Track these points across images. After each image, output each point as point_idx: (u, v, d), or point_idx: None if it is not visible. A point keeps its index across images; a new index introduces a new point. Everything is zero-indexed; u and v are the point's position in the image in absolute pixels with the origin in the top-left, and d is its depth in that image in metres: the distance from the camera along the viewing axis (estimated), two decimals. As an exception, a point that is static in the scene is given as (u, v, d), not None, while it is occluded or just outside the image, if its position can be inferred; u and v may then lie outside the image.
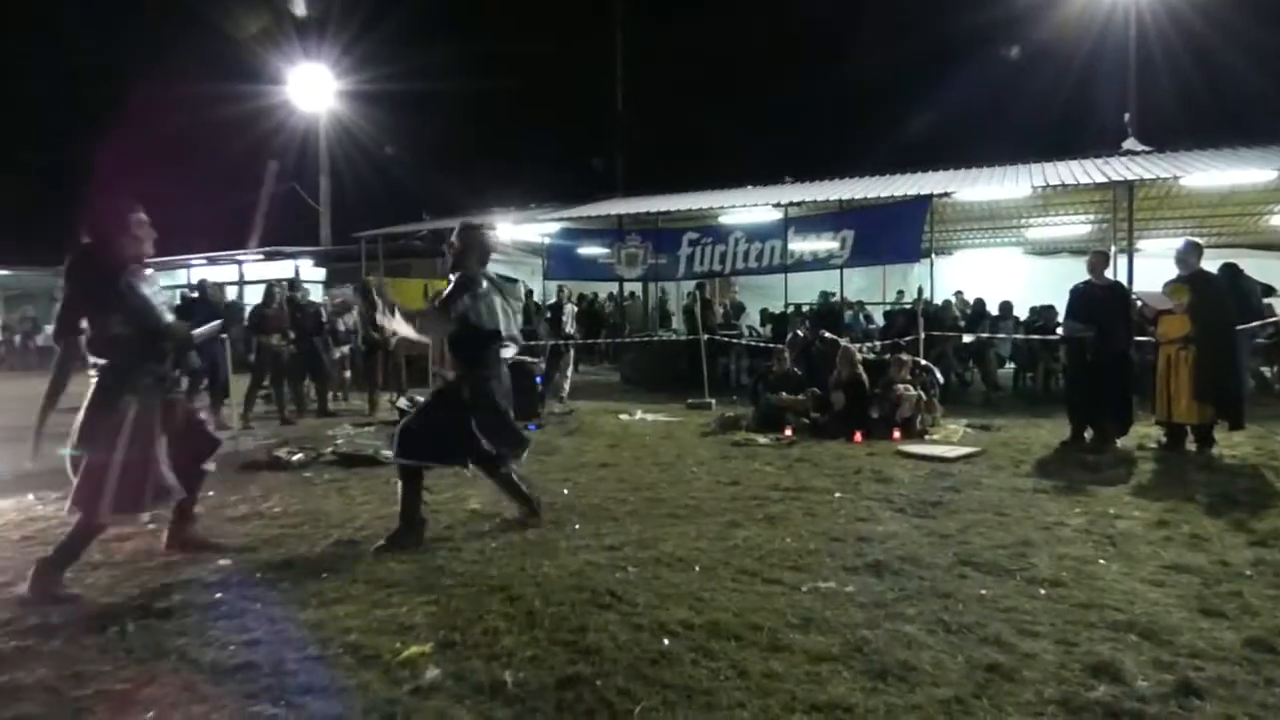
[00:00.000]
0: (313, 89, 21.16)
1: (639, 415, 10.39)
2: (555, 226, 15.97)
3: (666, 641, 3.17)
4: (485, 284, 4.96)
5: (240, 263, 22.85)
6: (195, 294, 10.38)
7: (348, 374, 12.62)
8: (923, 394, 8.83)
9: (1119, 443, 7.57)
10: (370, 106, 24.32)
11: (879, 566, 4.08)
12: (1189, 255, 7.47)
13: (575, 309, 16.11)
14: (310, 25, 22.26)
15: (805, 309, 15.56)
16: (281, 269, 20.74)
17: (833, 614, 3.45)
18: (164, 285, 12.27)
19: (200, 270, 22.96)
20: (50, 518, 5.29)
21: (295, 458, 7.20)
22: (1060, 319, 9.31)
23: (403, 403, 10.38)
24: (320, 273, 20.69)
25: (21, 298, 28.18)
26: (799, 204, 13.68)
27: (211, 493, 5.94)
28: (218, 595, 3.76)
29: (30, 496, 5.84)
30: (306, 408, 10.85)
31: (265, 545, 4.61)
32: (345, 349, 12.29)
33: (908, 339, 11.22)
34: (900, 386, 8.70)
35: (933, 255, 14.08)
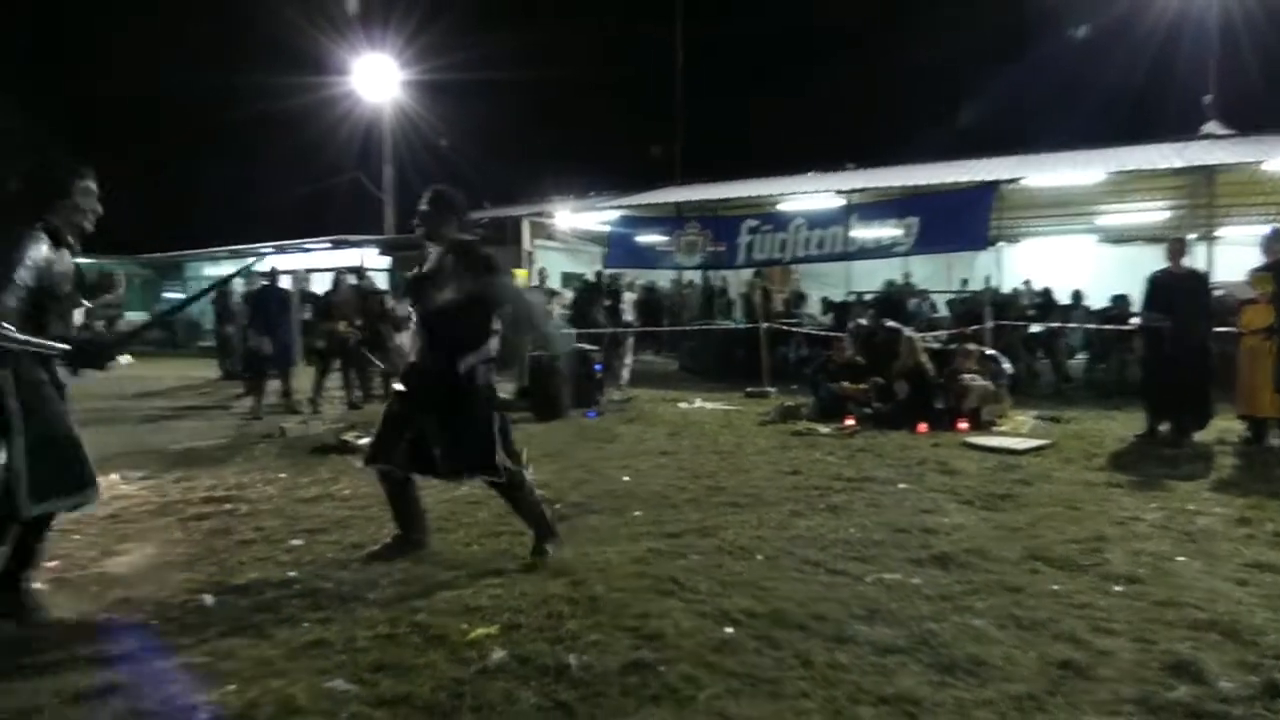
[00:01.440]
0: (377, 79, 21.53)
1: (698, 403, 10.37)
2: (614, 214, 16.00)
3: (729, 629, 3.16)
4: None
5: (308, 251, 23.42)
6: (267, 281, 10.67)
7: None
8: (990, 384, 8.62)
9: (1196, 437, 7.29)
10: (432, 96, 24.69)
11: (945, 559, 4.01)
12: (1274, 243, 7.15)
13: (635, 296, 16.15)
14: (374, 17, 22.67)
15: (868, 297, 15.32)
16: (347, 257, 21.22)
17: (898, 606, 3.40)
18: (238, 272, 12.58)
19: (269, 258, 23.62)
20: (134, 496, 5.51)
21: (363, 441, 7.35)
22: (1136, 308, 8.99)
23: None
24: (385, 260, 21.08)
25: (103, 285, 29.35)
26: (862, 190, 13.46)
27: (283, 475, 6.15)
28: (291, 574, 3.87)
29: (115, 476, 6.09)
30: (372, 393, 11.10)
31: (335, 526, 4.74)
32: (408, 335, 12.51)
33: (974, 328, 10.97)
34: (966, 376, 8.51)
35: (1000, 243, 13.75)
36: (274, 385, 10.10)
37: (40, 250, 3.03)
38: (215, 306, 14.64)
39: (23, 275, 2.99)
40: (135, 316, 28.77)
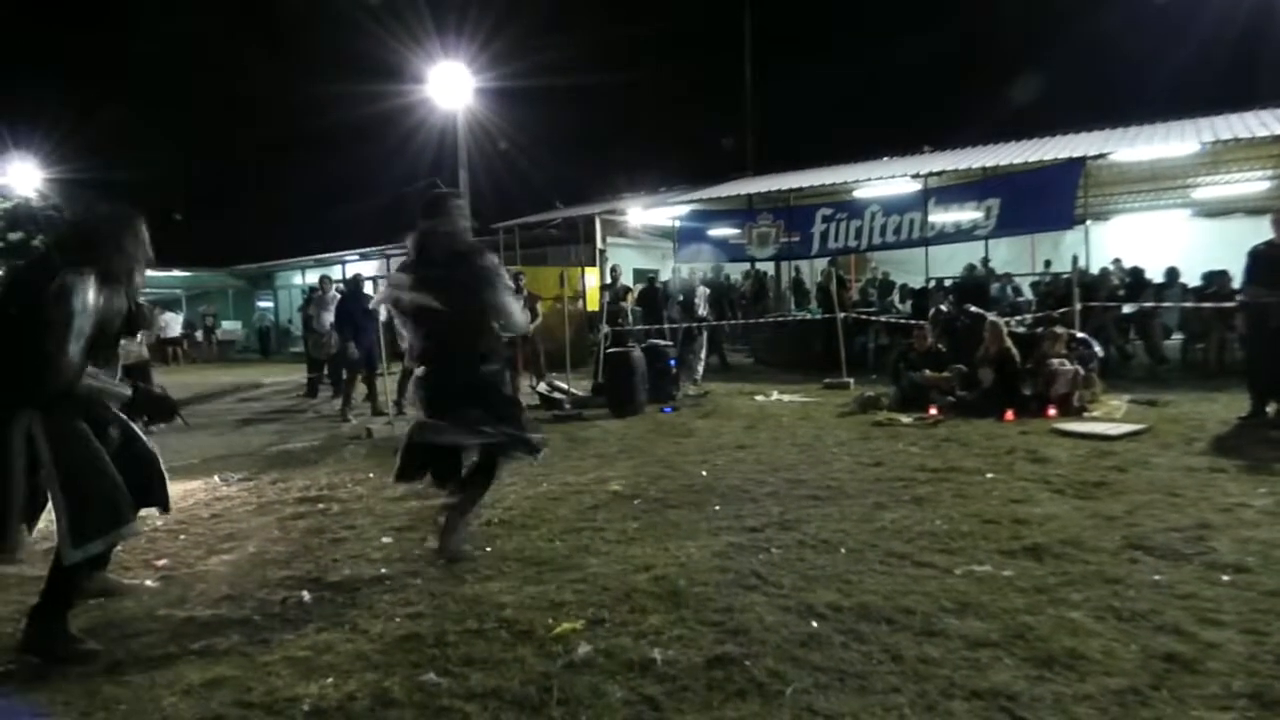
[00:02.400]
0: (452, 87, 21.98)
1: (775, 396, 10.28)
2: (685, 209, 15.97)
3: (815, 624, 3.13)
4: None
5: (389, 256, 24.10)
6: (346, 289, 11.02)
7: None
8: (1080, 368, 8.30)
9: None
10: (504, 101, 25.08)
11: (1038, 550, 3.88)
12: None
13: (708, 291, 16.08)
14: (448, 27, 23.15)
15: (948, 283, 14.92)
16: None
17: (990, 599, 3.30)
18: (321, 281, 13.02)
19: (353, 266, 24.40)
20: (234, 497, 5.77)
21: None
22: (1236, 284, 8.52)
23: (542, 387, 10.71)
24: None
25: (201, 296, 30.88)
26: (939, 174, 13.11)
27: (371, 475, 6.34)
28: (382, 570, 3.99)
29: (216, 478, 6.40)
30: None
31: (421, 524, 4.85)
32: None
33: (1062, 311, 10.57)
34: (1055, 361, 8.21)
35: (1087, 221, 13.19)
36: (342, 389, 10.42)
37: (90, 293, 3.11)
38: (303, 314, 15.18)
39: (82, 322, 3.03)
40: (231, 326, 30.23)
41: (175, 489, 5.68)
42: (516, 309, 4.22)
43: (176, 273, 29.70)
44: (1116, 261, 14.15)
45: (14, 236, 28.36)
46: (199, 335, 26.87)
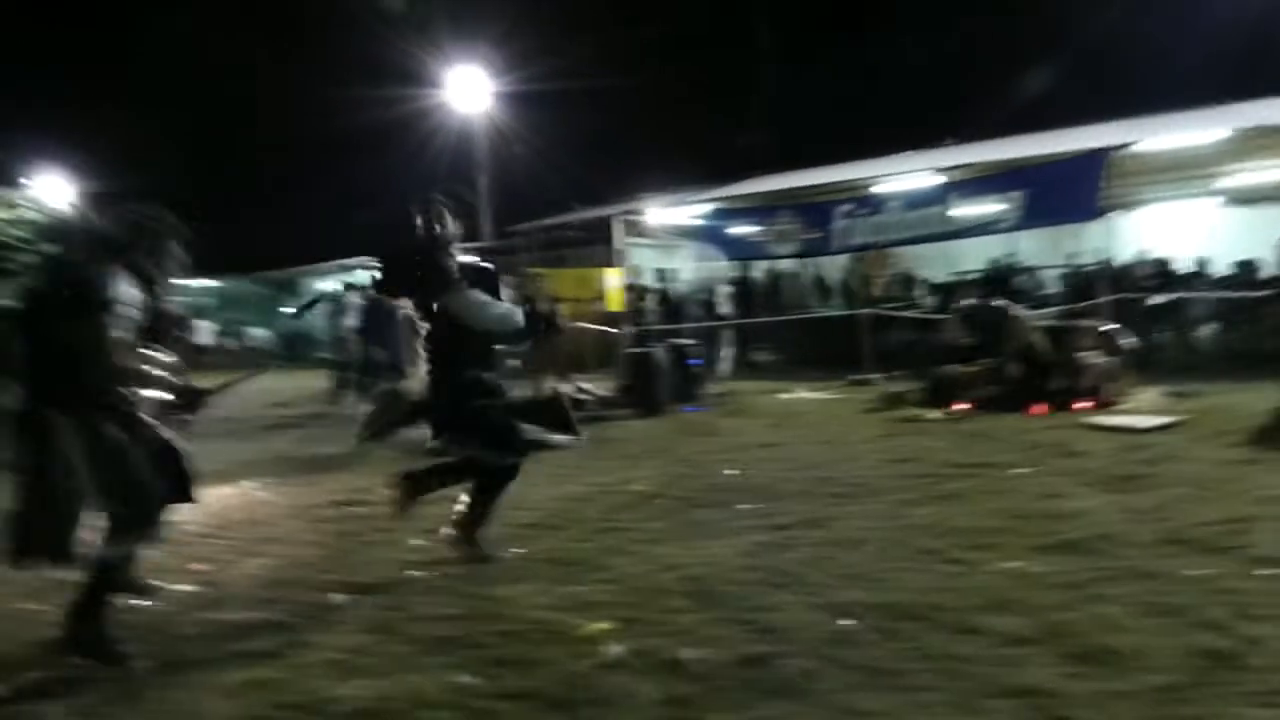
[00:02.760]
0: (469, 91, 22.12)
1: (799, 394, 10.25)
2: (704, 208, 15.94)
3: (846, 622, 3.12)
4: None
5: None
6: (368, 294, 11.08)
7: (516, 363, 13.13)
8: (1109, 361, 8.20)
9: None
10: (519, 105, 25.16)
11: (1072, 545, 3.84)
12: None
13: (730, 289, 16.05)
14: (464, 32, 23.32)
15: (972, 276, 14.78)
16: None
17: (1023, 595, 3.28)
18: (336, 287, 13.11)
19: (376, 271, 24.52)
20: (267, 501, 5.85)
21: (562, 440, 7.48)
22: (1268, 273, 8.38)
23: (567, 390, 10.72)
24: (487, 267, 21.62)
25: (230, 303, 31.28)
26: (962, 167, 12.98)
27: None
28: (415, 573, 4.03)
29: (248, 482, 6.47)
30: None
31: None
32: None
33: (1090, 302, 10.45)
34: (1083, 354, 8.12)
35: (1112, 212, 13.01)
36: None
37: (125, 287, 3.16)
38: (329, 322, 15.32)
39: (122, 313, 3.09)
40: (258, 332, 30.56)
41: (209, 494, 5.76)
42: (492, 309, 4.10)
43: (205, 281, 30.07)
44: (1144, 252, 13.94)
45: (48, 249, 28.87)
46: (227, 342, 27.23)
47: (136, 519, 3.16)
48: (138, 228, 3.40)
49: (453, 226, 4.18)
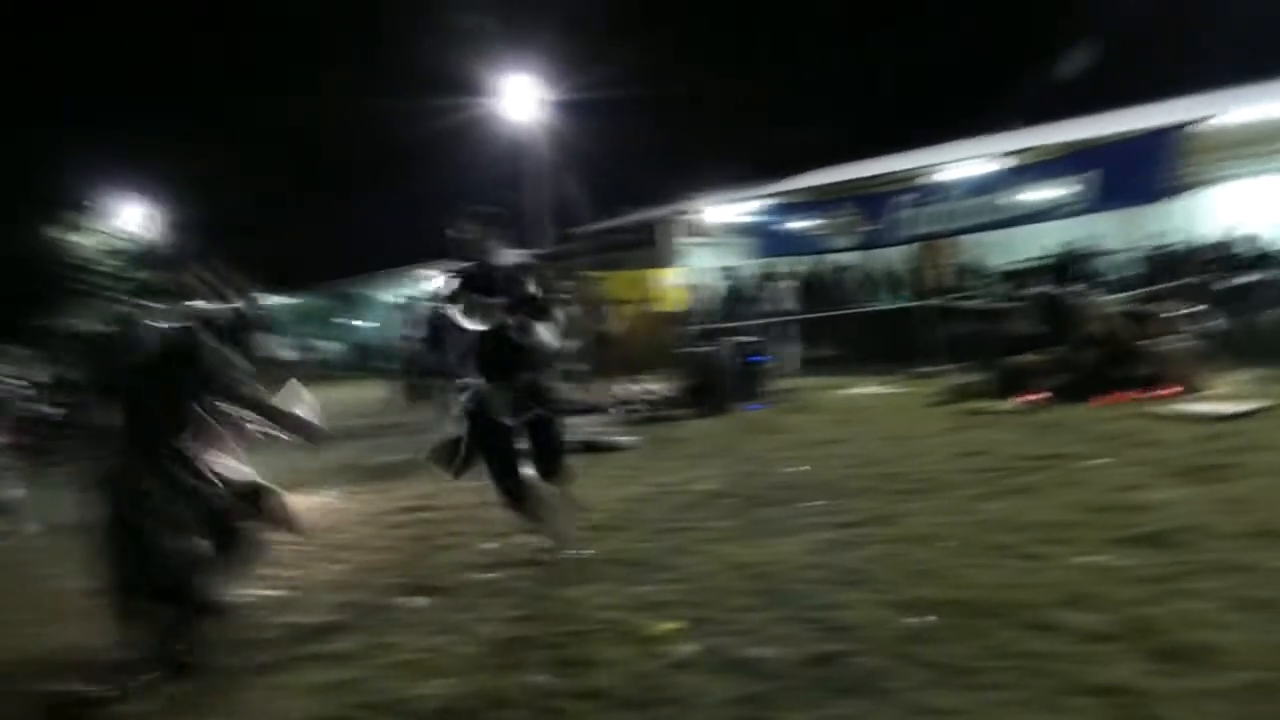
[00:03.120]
0: (521, 99, 22.38)
1: (865, 389, 10.10)
2: (761, 204, 15.83)
3: (919, 619, 3.07)
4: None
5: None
6: (435, 304, 11.31)
7: (581, 366, 13.23)
8: (1192, 345, 7.89)
9: None
10: (571, 111, 25.37)
11: (1156, 538, 3.70)
12: None
13: (792, 285, 15.88)
14: (517, 41, 23.63)
15: (1043, 262, 14.36)
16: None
17: (1105, 590, 3.17)
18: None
19: (437, 280, 25.01)
20: (345, 509, 6.02)
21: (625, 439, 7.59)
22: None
23: (631, 390, 10.77)
24: (544, 272, 21.86)
25: (301, 318, 32.28)
26: (1029, 150, 12.63)
27: (471, 484, 6.50)
28: (487, 575, 4.11)
29: (323, 491, 6.67)
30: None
31: (521, 530, 4.96)
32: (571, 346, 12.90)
33: (1169, 285, 10.06)
34: (1164, 338, 7.82)
35: (1191, 190, 12.48)
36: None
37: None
38: (400, 334, 15.69)
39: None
40: (327, 345, 31.45)
41: (291, 502, 5.95)
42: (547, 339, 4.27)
43: (276, 297, 31.08)
44: (1226, 231, 13.34)
45: (141, 275, 30.29)
46: (301, 356, 28.11)
47: (241, 565, 3.36)
48: (240, 315, 3.64)
49: (493, 238, 4.28)
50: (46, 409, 12.43)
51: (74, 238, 30.02)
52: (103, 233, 30.42)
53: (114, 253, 30.51)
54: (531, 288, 4.20)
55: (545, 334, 4.23)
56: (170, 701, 2.99)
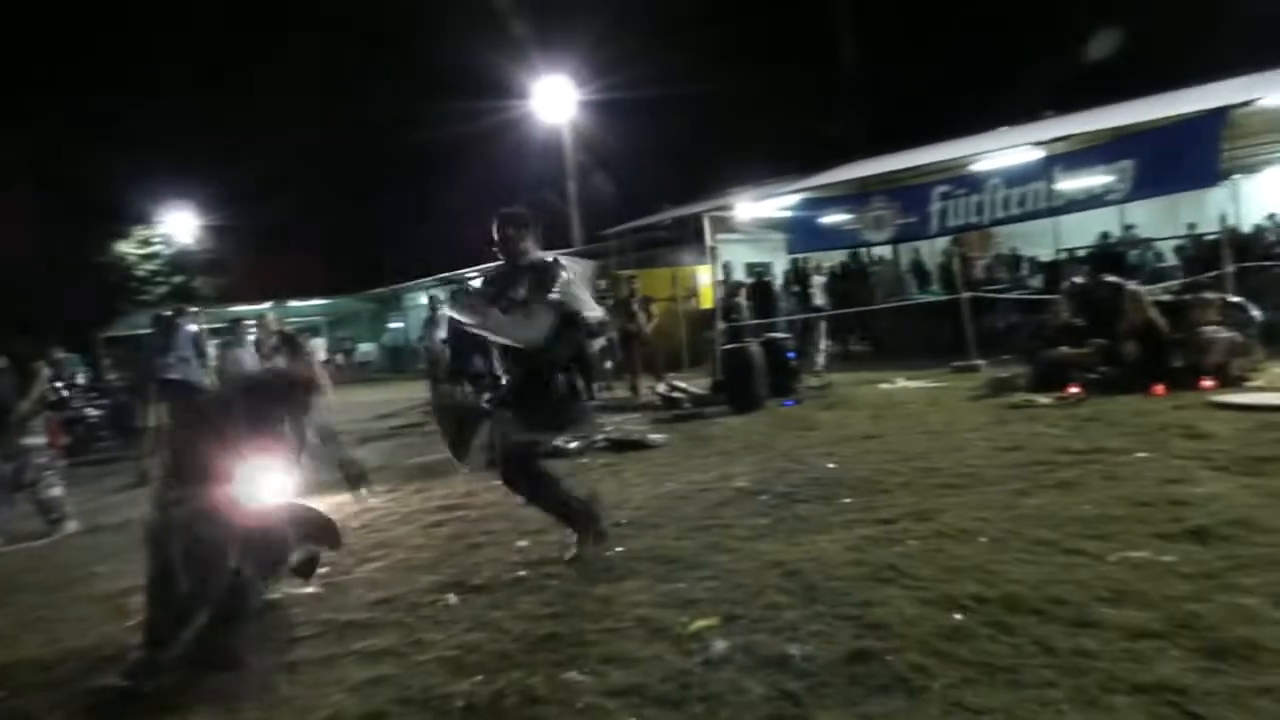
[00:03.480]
0: (556, 100, 22.47)
1: (900, 383, 9.99)
2: (794, 198, 15.72)
3: (958, 616, 3.02)
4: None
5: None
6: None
7: (609, 364, 13.27)
8: (1237, 335, 7.68)
9: None
10: (604, 111, 25.42)
11: (1202, 533, 3.61)
12: None
13: (824, 280, 15.78)
14: (551, 42, 23.74)
15: (1081, 253, 14.09)
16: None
17: (1150, 586, 3.10)
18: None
19: (473, 281, 25.23)
20: (380, 508, 6.09)
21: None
22: None
23: (662, 388, 10.78)
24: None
25: (339, 321, 32.78)
26: (1065, 138, 12.40)
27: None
28: (521, 573, 4.13)
29: (362, 490, 6.74)
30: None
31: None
32: (604, 340, 12.92)
33: (1213, 274, 9.81)
34: (1207, 329, 7.63)
35: (1235, 175, 12.19)
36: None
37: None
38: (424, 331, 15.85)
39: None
40: (366, 348, 31.88)
41: (327, 502, 6.06)
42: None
43: (317, 301, 31.58)
44: (1272, 216, 13.00)
45: (177, 279, 30.98)
46: (339, 358, 28.56)
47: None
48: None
49: (527, 239, 4.32)
50: (88, 410, 12.79)
51: (125, 247, 30.79)
52: (152, 241, 31.15)
53: (160, 259, 31.22)
54: (558, 287, 4.18)
55: (529, 329, 4.16)
56: (207, 697, 3.04)
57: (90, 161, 29.21)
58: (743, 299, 14.17)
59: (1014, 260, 15.75)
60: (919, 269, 17.46)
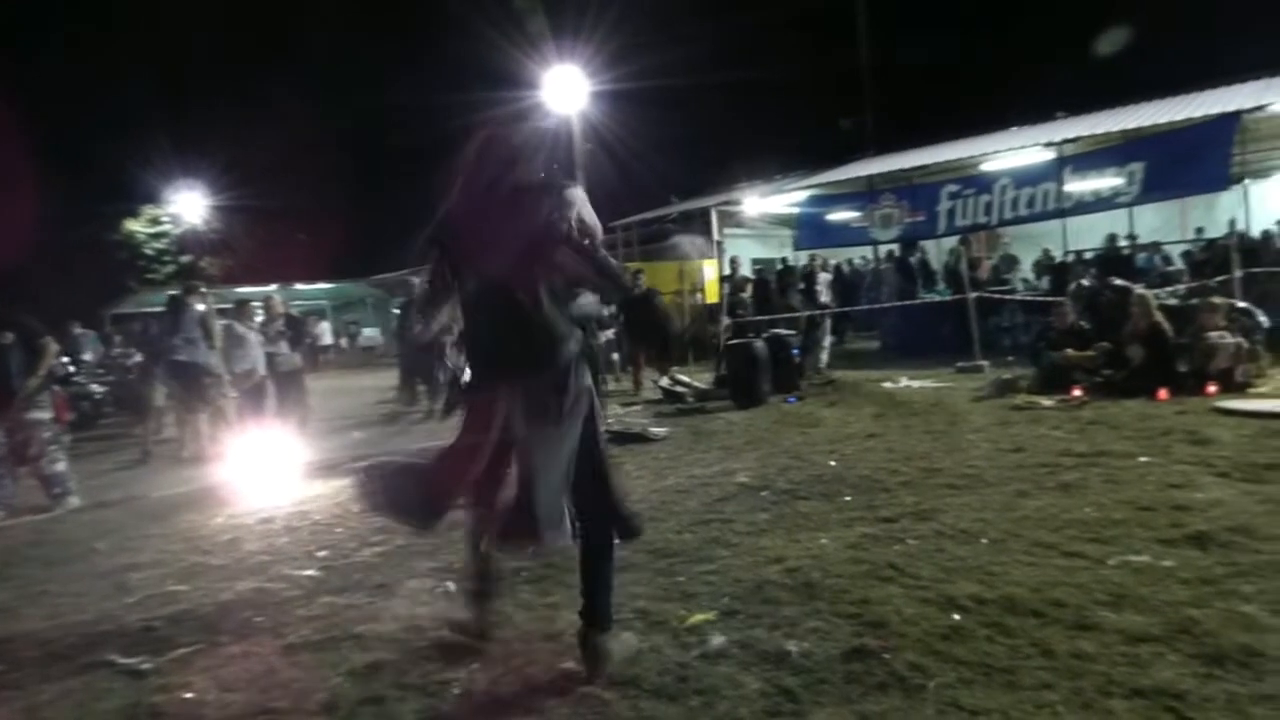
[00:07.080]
0: (567, 90, 22.42)
1: (904, 382, 9.97)
2: (803, 195, 15.69)
3: (956, 616, 3.03)
4: None
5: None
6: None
7: (615, 356, 13.28)
8: (1242, 341, 7.66)
9: None
10: (615, 102, 25.34)
11: (1202, 538, 3.61)
12: None
13: (830, 277, 15.75)
14: (563, 34, 23.65)
15: (1088, 255, 14.06)
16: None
17: (1149, 591, 3.11)
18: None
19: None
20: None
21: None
22: None
23: (665, 382, 10.77)
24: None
25: (345, 306, 32.79)
26: (1075, 140, 12.36)
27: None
28: (519, 563, 4.12)
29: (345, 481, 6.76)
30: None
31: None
32: (609, 334, 12.92)
33: (1220, 279, 9.78)
34: (1213, 334, 7.61)
35: (1244, 180, 12.12)
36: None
37: None
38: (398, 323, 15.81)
39: None
40: (371, 332, 31.90)
41: (328, 486, 6.06)
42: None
43: (322, 285, 31.58)
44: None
45: (185, 259, 31.00)
46: (344, 342, 28.58)
47: None
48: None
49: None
50: (94, 386, 12.81)
51: (134, 225, 30.82)
52: (161, 220, 31.16)
53: (169, 238, 31.22)
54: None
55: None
56: (206, 679, 3.06)
57: (104, 138, 29.26)
58: (747, 294, 14.15)
59: (1011, 260, 15.78)
60: (924, 268, 17.46)
